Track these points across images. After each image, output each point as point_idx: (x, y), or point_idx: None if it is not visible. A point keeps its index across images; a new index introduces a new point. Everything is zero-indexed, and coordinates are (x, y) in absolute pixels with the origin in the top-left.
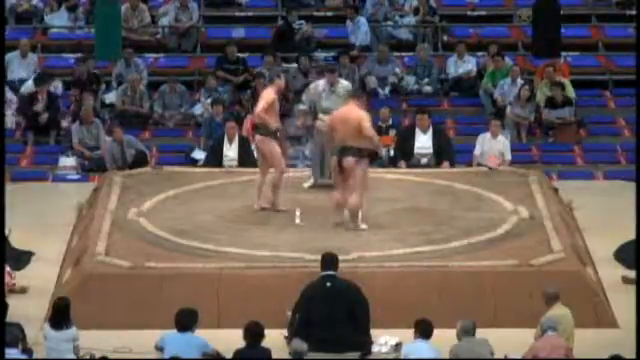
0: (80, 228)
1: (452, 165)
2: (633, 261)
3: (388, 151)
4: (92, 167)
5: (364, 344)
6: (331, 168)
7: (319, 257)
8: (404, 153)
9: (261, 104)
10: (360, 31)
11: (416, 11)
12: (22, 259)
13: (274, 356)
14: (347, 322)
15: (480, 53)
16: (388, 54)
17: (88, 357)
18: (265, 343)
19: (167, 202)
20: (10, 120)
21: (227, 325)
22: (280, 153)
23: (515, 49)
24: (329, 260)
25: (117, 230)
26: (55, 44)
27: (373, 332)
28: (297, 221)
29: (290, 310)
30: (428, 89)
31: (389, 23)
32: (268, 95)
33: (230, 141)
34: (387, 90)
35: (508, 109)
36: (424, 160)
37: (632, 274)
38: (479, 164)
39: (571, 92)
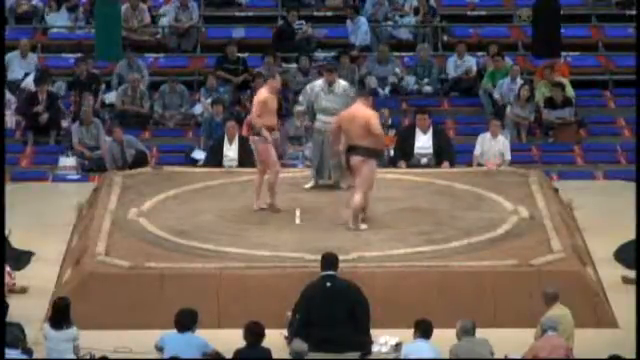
0: (80, 228)
1: (452, 165)
2: (633, 261)
3: (388, 151)
4: (92, 167)
5: (364, 344)
6: (334, 168)
7: (319, 257)
8: (404, 153)
9: (254, 108)
10: (360, 31)
11: (416, 11)
12: (22, 259)
13: (274, 356)
14: (347, 322)
15: (480, 53)
16: (388, 54)
17: (88, 357)
18: (265, 343)
19: (167, 202)
20: (10, 120)
21: (227, 325)
22: (274, 154)
23: (515, 49)
24: (329, 260)
25: (117, 230)
26: (55, 44)
27: (373, 332)
28: (297, 221)
29: (290, 310)
30: (428, 89)
31: (389, 23)
32: (260, 96)
33: (230, 141)
34: (387, 90)
35: (508, 109)
36: (424, 160)
37: (632, 274)
38: (479, 164)
39: (571, 92)
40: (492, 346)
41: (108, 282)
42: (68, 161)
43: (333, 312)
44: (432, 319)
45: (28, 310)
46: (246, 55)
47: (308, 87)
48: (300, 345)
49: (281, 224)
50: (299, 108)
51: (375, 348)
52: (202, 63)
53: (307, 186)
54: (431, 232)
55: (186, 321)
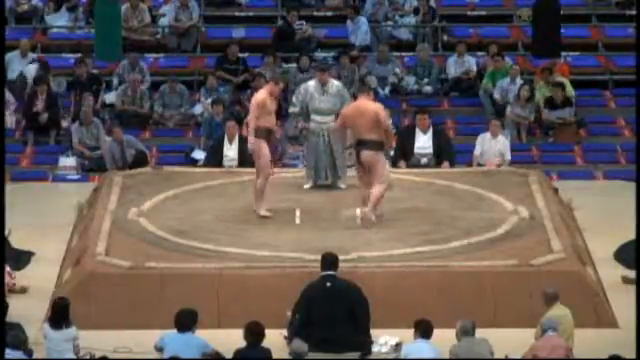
0: (80, 228)
1: (452, 165)
2: (633, 261)
3: (388, 151)
4: (92, 167)
5: (364, 344)
6: (331, 168)
7: (319, 257)
8: (404, 153)
9: (250, 110)
10: (360, 31)
11: (416, 11)
12: (22, 259)
13: (274, 356)
14: (347, 322)
15: (480, 53)
16: (388, 54)
17: (88, 357)
18: (265, 343)
19: (167, 202)
20: (10, 120)
21: (227, 325)
22: (268, 157)
23: (515, 49)
24: (329, 260)
25: (117, 230)
26: (55, 44)
27: (373, 332)
28: (297, 221)
29: (290, 310)
30: (428, 89)
31: (389, 23)
32: (257, 97)
33: (230, 141)
34: (387, 90)
35: (508, 109)
36: (424, 160)
37: (632, 274)
38: (479, 164)
39: (571, 91)
40: (492, 346)
41: (108, 282)
42: (68, 161)
43: (333, 312)
44: (432, 319)
45: (28, 310)
46: (246, 55)
47: (302, 88)
48: (300, 345)
49: (281, 224)
50: (293, 109)
51: (375, 348)
52: (202, 63)
53: (306, 186)
54: (431, 232)
55: (186, 321)
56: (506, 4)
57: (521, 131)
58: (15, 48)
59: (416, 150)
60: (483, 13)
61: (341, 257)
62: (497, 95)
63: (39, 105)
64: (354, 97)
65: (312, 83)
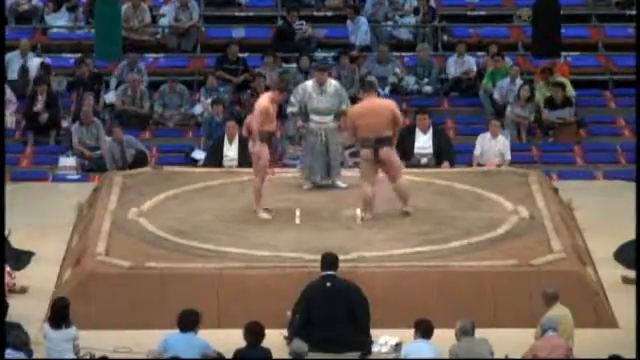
0: (80, 228)
1: (452, 165)
2: (633, 261)
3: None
4: (92, 167)
5: (364, 344)
6: (330, 169)
7: (319, 257)
8: (404, 153)
9: (255, 115)
10: (360, 31)
11: (416, 11)
12: (22, 259)
13: (274, 356)
14: (347, 322)
15: (480, 53)
16: (388, 54)
17: (88, 357)
18: (265, 343)
19: (167, 202)
20: (10, 120)
21: (227, 325)
22: (267, 159)
23: (515, 49)
24: (329, 260)
25: (117, 230)
26: (55, 44)
27: (373, 332)
28: (297, 221)
29: (290, 310)
30: (428, 89)
31: (389, 23)
32: (261, 105)
33: (230, 141)
34: (387, 90)
35: (508, 109)
36: (424, 160)
37: (632, 274)
38: (479, 164)
39: (571, 92)
40: (492, 346)
41: (108, 282)
42: (68, 161)
43: (333, 312)
44: (432, 319)
45: (28, 310)
46: (246, 55)
47: (300, 88)
48: (300, 345)
49: (281, 224)
50: (291, 109)
51: (375, 348)
52: (202, 63)
53: (306, 187)
54: (431, 232)
55: (188, 322)
56: (506, 4)
57: (521, 131)
58: (15, 48)
59: (416, 150)
60: (483, 13)
61: (341, 257)
62: (497, 95)
63: (39, 105)
64: (356, 97)
65: (310, 83)
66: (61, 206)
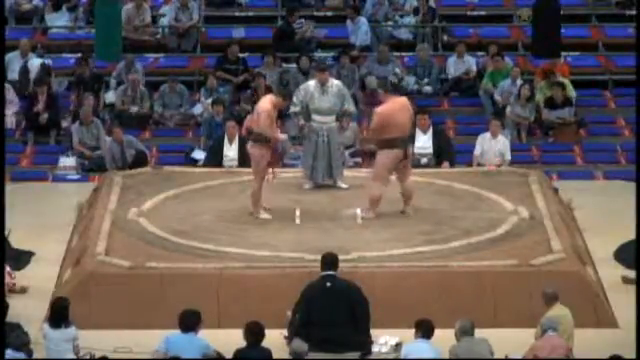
0: (80, 228)
1: (452, 165)
2: (633, 261)
3: None
4: (92, 167)
5: (364, 344)
6: (332, 169)
7: (319, 257)
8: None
9: (262, 118)
10: (360, 31)
11: (416, 11)
12: (22, 259)
13: (274, 356)
14: (347, 322)
15: (480, 53)
16: (388, 54)
17: (88, 357)
18: (265, 343)
19: (167, 202)
20: (10, 120)
21: (227, 325)
22: (265, 162)
23: (515, 49)
24: (329, 260)
25: (117, 230)
26: (55, 44)
27: (373, 332)
28: (297, 221)
29: (290, 310)
30: (428, 89)
31: (389, 23)
32: (265, 109)
33: (230, 141)
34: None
35: (508, 109)
36: (424, 160)
37: (632, 274)
38: (479, 164)
39: (571, 91)
40: (492, 346)
41: (108, 282)
42: (68, 161)
43: (333, 312)
44: (432, 319)
45: (28, 310)
46: (246, 55)
47: (302, 88)
48: (300, 345)
49: (281, 224)
50: (293, 109)
51: (375, 348)
52: (202, 63)
53: (307, 186)
54: (431, 232)
55: (190, 322)
56: (506, 4)
57: (521, 131)
58: (15, 48)
59: (416, 150)
60: (483, 13)
61: (341, 257)
62: (498, 96)
63: (39, 105)
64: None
65: (312, 83)
66: (61, 206)
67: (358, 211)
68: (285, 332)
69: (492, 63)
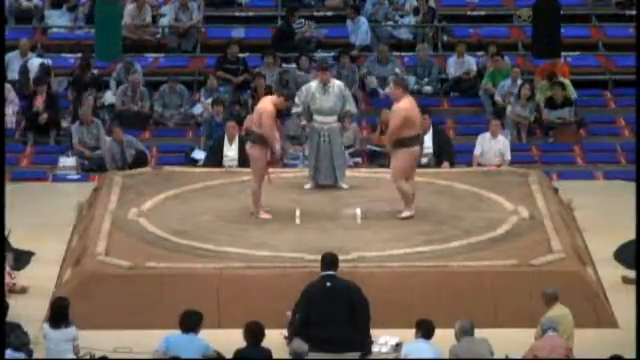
0: (80, 228)
1: (452, 165)
2: (633, 261)
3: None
4: (92, 167)
5: (364, 344)
6: (334, 169)
7: (319, 257)
8: None
9: (264, 120)
10: (360, 31)
11: (416, 11)
12: (22, 259)
13: (274, 356)
14: (347, 322)
15: (480, 53)
16: (388, 54)
17: (88, 357)
18: (265, 343)
19: (167, 202)
20: (10, 120)
21: (227, 325)
22: (264, 163)
23: (515, 49)
24: (329, 260)
25: (117, 230)
26: (55, 44)
27: (373, 332)
28: (297, 221)
29: (290, 310)
30: (428, 89)
31: (389, 23)
32: (268, 109)
33: (230, 141)
34: (387, 90)
35: (508, 109)
36: (424, 160)
37: (632, 274)
38: (479, 164)
39: (572, 92)
40: (492, 346)
41: (108, 282)
42: (68, 161)
43: (333, 312)
44: (432, 319)
45: (28, 310)
46: (246, 55)
47: (304, 88)
48: (300, 345)
49: (281, 224)
50: (295, 109)
51: (375, 348)
52: (202, 63)
53: (307, 186)
54: (431, 232)
55: (190, 322)
56: (506, 4)
57: (521, 131)
58: (15, 48)
59: None
60: (483, 13)
61: (341, 257)
62: (498, 97)
63: (39, 105)
64: (356, 97)
65: (314, 83)
66: (61, 206)
67: (358, 211)
68: (285, 332)
69: (492, 63)
